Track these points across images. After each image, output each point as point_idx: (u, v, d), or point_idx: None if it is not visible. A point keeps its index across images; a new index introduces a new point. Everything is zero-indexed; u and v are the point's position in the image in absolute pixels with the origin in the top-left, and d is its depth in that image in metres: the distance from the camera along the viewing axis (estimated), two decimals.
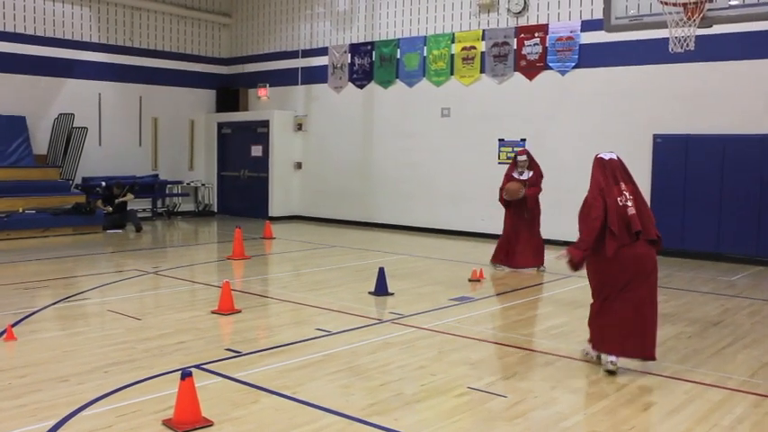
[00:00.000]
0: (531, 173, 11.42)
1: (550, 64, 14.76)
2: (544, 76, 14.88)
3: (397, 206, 17.17)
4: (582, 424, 4.97)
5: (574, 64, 14.41)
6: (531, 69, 15.07)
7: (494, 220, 15.29)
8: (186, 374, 4.78)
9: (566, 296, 9.62)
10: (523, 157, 11.50)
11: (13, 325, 7.16)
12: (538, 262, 11.46)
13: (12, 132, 16.45)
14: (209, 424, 4.78)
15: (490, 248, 13.74)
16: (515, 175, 11.32)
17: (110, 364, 6.14)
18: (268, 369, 6.10)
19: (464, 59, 16.05)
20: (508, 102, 15.36)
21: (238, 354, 6.54)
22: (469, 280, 10.43)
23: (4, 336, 6.86)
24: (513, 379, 5.97)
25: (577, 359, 6.58)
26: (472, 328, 7.69)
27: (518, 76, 15.27)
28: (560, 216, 14.50)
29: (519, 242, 11.40)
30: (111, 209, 16.35)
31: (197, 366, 6.00)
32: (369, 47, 17.75)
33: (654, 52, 13.21)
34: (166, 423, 4.77)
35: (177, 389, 4.82)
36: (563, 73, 14.57)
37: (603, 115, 14.04)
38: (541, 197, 14.75)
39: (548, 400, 5.48)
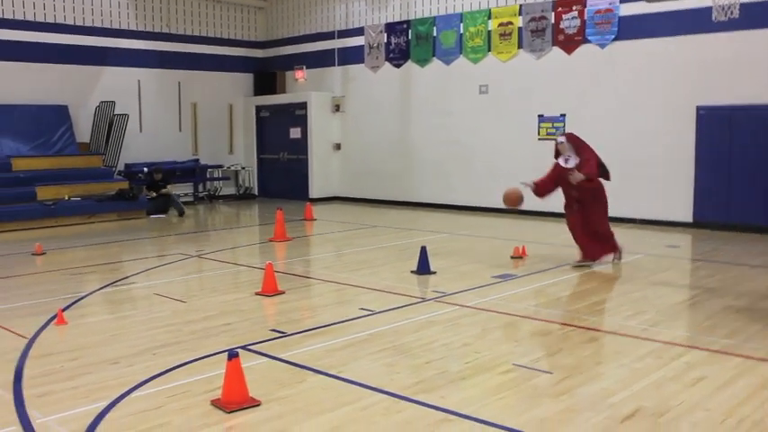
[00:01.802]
0: (578, 159, 9.90)
1: (589, 37, 14.54)
2: (583, 49, 14.68)
3: (437, 185, 17.12)
4: (629, 399, 4.93)
5: (613, 36, 14.18)
6: (569, 43, 14.86)
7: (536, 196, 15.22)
8: (233, 355, 4.83)
9: (609, 272, 9.54)
10: (562, 140, 10.12)
11: (64, 309, 7.30)
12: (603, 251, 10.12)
13: (55, 121, 16.73)
14: (256, 404, 4.84)
15: (530, 225, 13.73)
16: (561, 161, 10.04)
17: (157, 347, 6.24)
18: (313, 349, 6.14)
19: (501, 35, 15.89)
20: (547, 77, 15.19)
21: (283, 334, 6.60)
22: (512, 257, 10.38)
23: (55, 320, 7.01)
24: (558, 355, 5.94)
25: (624, 334, 6.52)
26: (516, 305, 7.66)
27: (556, 50, 15.08)
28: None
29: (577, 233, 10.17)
30: (154, 194, 16.54)
31: (243, 347, 6.07)
32: (405, 25, 17.66)
33: (695, 22, 12.97)
34: (215, 403, 4.84)
35: (224, 369, 4.88)
36: (602, 46, 14.35)
37: (645, 88, 13.81)
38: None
39: (593, 375, 5.44)
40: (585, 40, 14.60)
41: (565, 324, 6.91)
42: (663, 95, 13.56)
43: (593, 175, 9.66)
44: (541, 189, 10.13)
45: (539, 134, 15.34)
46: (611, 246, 10.02)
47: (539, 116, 15.37)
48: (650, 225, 13.76)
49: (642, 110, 13.83)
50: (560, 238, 11.19)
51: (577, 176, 9.51)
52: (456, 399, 4.96)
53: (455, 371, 5.56)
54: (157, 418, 4.65)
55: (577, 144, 10.02)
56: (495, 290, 8.42)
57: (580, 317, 7.19)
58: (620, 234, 12.80)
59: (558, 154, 10.09)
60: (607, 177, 9.98)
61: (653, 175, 13.74)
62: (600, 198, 9.97)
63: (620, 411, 4.71)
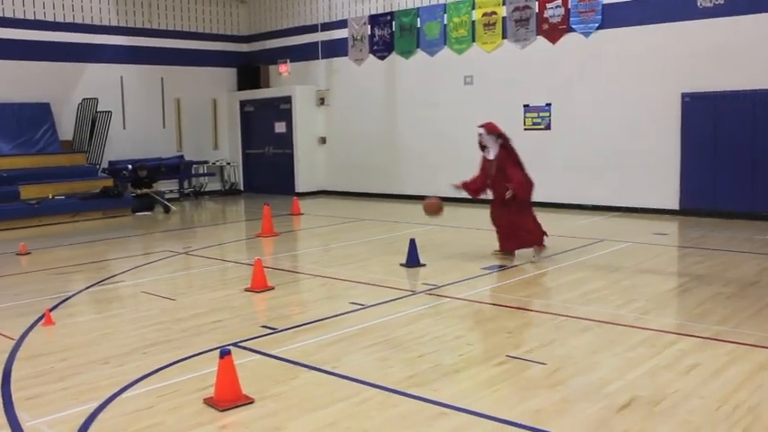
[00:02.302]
0: (497, 148, 9.65)
1: (573, 26, 14.52)
2: (568, 38, 14.66)
3: (423, 176, 17.07)
4: (625, 389, 4.92)
5: (597, 25, 14.17)
6: (553, 32, 14.84)
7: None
8: (225, 353, 4.78)
9: (599, 261, 9.53)
10: (481, 131, 9.79)
11: (51, 309, 7.22)
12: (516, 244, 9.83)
13: (37, 119, 16.55)
14: (250, 401, 4.79)
15: None
16: (485, 154, 9.82)
17: (147, 345, 6.17)
18: (305, 344, 6.10)
19: (485, 25, 15.85)
20: (532, 67, 15.17)
21: (274, 330, 6.55)
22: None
23: (43, 321, 6.92)
24: (552, 346, 5.92)
25: (617, 323, 6.51)
26: (506, 297, 7.65)
27: (541, 40, 15.06)
28: (587, 178, 14.42)
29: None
30: (139, 192, 16.42)
31: (234, 344, 6.01)
32: (388, 17, 17.58)
33: (679, 8, 13.00)
34: (208, 401, 4.79)
35: (216, 367, 4.82)
36: (587, 35, 14.34)
37: (630, 76, 13.81)
38: (567, 162, 14.68)
39: (588, 365, 5.43)
40: (570, 29, 14.58)
41: (557, 314, 6.90)
42: (648, 83, 13.57)
43: (522, 193, 9.55)
44: (472, 188, 9.95)
45: (524, 124, 15.32)
46: (530, 239, 9.65)
47: (524, 106, 15.35)
48: (637, 213, 13.79)
49: (628, 98, 13.84)
50: (547, 228, 11.15)
51: (508, 194, 9.46)
52: (450, 392, 4.93)
53: (448, 364, 5.53)
54: (150, 418, 4.59)
55: (493, 131, 9.70)
56: (485, 281, 8.41)
57: (572, 306, 7.18)
58: (606, 223, 12.90)
59: (483, 147, 9.89)
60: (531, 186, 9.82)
61: (639, 164, 13.76)
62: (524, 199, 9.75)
63: (615, 401, 4.70)
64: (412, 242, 9.41)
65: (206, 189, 20.07)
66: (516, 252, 9.79)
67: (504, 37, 15.58)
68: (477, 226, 12.85)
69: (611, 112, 14.06)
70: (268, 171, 19.93)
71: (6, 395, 5.05)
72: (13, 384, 5.26)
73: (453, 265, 9.32)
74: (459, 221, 13.27)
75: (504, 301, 7.46)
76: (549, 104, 14.97)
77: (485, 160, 9.82)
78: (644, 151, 13.68)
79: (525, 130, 15.24)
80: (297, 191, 18.83)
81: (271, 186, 19.68)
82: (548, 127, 15.02)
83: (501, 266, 9.22)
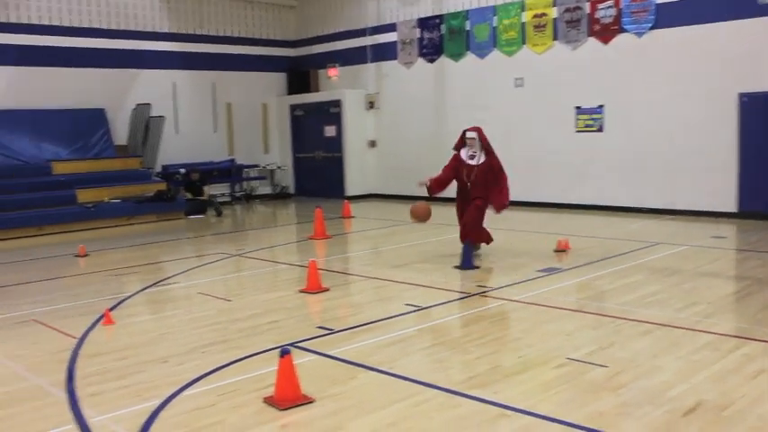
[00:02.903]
0: (483, 157, 9.74)
1: (625, 26, 14.32)
2: (619, 39, 14.46)
3: None
4: (689, 393, 4.80)
5: (650, 25, 13.95)
6: (605, 33, 14.66)
7: (573, 189, 15.07)
8: (285, 352, 4.78)
9: (656, 264, 9.35)
10: (473, 135, 9.75)
11: (110, 310, 7.32)
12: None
13: (93, 125, 16.89)
14: (309, 401, 4.79)
15: (572, 219, 13.56)
16: (463, 155, 9.74)
17: (206, 345, 6.22)
18: (362, 345, 6.09)
19: (535, 27, 15.73)
20: (583, 68, 14.99)
21: (331, 331, 6.55)
22: (555, 251, 10.23)
23: (103, 320, 7.02)
24: (612, 349, 5.82)
25: (677, 326, 6.38)
26: (564, 299, 7.55)
27: (592, 41, 14.88)
28: (642, 181, 14.19)
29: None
30: (194, 198, 16.62)
31: (291, 344, 6.02)
32: (437, 20, 17.54)
33: (737, 6, 12.73)
34: (268, 401, 4.80)
35: (276, 367, 4.83)
36: (639, 35, 14.13)
37: (684, 76, 13.56)
38: (620, 164, 14.47)
39: (650, 369, 5.32)
40: (622, 30, 14.37)
41: (615, 317, 6.78)
42: (703, 83, 13.30)
43: (504, 206, 9.89)
44: (436, 186, 10.00)
45: (576, 126, 15.15)
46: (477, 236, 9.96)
47: (576, 108, 15.18)
48: (693, 216, 13.52)
49: (682, 98, 13.59)
50: (602, 231, 11.05)
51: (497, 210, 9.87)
52: (511, 393, 4.88)
53: (508, 365, 5.47)
54: (211, 417, 4.62)
55: (487, 147, 9.79)
56: (541, 283, 8.30)
57: (630, 309, 7.05)
58: (662, 226, 12.67)
59: (461, 145, 9.88)
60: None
61: (695, 166, 13.50)
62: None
63: (680, 405, 4.60)
64: (466, 245, 9.35)
65: (257, 193, 20.23)
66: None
67: (554, 38, 15.44)
68: (530, 229, 12.74)
69: (666, 114, 13.83)
70: (318, 174, 20.01)
71: (71, 392, 5.13)
72: (77, 381, 5.35)
73: (508, 268, 9.23)
74: (510, 224, 13.16)
75: (561, 303, 7.36)
76: (601, 106, 14.78)
77: (460, 163, 9.81)
78: (700, 153, 13.42)
79: (577, 132, 15.08)
80: (347, 194, 18.87)
81: (321, 190, 19.76)
82: (600, 129, 14.82)
83: (556, 269, 9.09)
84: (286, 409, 4.67)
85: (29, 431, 4.50)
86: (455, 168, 9.87)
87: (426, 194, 10.32)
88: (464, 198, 9.99)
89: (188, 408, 4.79)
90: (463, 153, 9.79)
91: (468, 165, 9.70)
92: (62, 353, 6.08)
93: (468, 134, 9.76)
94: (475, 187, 9.75)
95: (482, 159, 9.67)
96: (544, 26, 15.57)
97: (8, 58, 15.91)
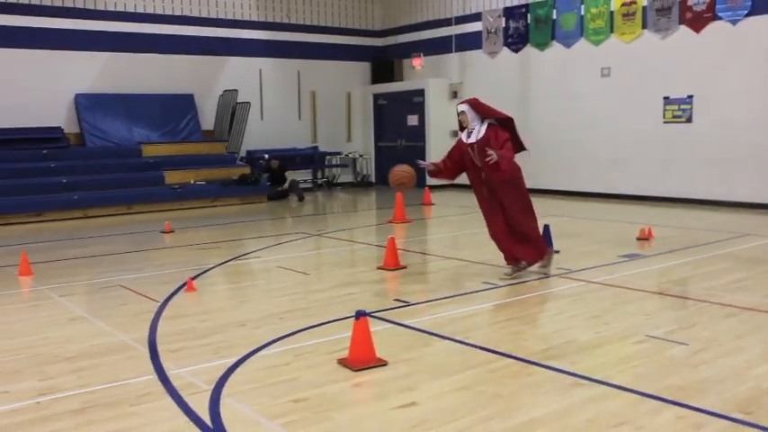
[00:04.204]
0: (484, 128, 7.53)
1: (719, 14, 13.86)
2: (713, 27, 14.00)
3: (557, 171, 16.73)
4: None
5: (746, 12, 13.46)
6: (697, 21, 14.22)
7: (660, 181, 14.69)
8: (361, 314, 4.82)
9: (744, 253, 9.05)
10: (463, 108, 7.65)
11: (193, 278, 7.50)
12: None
13: (182, 110, 17.33)
14: (383, 363, 4.81)
15: (658, 212, 13.23)
16: (463, 136, 7.75)
17: (283, 312, 6.32)
18: (437, 317, 6.08)
19: (624, 15, 15.38)
20: (673, 57, 14.57)
21: (407, 303, 6.56)
22: (638, 238, 10.00)
23: (186, 287, 7.21)
24: (694, 329, 5.65)
25: (763, 310, 6.16)
26: (645, 282, 7.37)
27: (683, 29, 14.45)
28: (731, 173, 13.73)
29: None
30: (271, 182, 16.90)
31: (367, 314, 6.05)
32: (523, 9, 17.35)
33: None
34: (342, 362, 4.84)
35: (350, 332, 4.88)
36: (734, 22, 13.66)
37: None
38: (709, 156, 14.02)
39: (733, 348, 5.15)
40: (716, 17, 13.91)
41: (699, 300, 6.59)
42: None
43: (508, 164, 7.39)
44: (445, 172, 8.05)
45: (664, 117, 14.75)
46: (539, 248, 7.76)
47: (664, 98, 14.78)
48: None
49: None
50: (687, 222, 10.75)
51: (493, 157, 7.17)
52: (587, 365, 4.79)
53: (585, 340, 5.38)
54: (286, 374, 4.69)
55: (484, 111, 7.67)
56: (622, 268, 8.13)
57: (715, 294, 6.83)
58: (752, 218, 12.25)
59: (461, 127, 7.79)
60: (522, 148, 7.82)
61: None
62: (517, 184, 7.67)
63: (765, 383, 4.43)
64: (546, 228, 9.21)
65: (338, 180, 20.41)
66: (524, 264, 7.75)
67: (643, 27, 15.06)
68: (612, 219, 12.51)
69: (759, 104, 13.33)
70: (400, 163, 19.96)
71: (153, 347, 5.28)
72: (159, 339, 5.50)
73: (589, 252, 9.08)
74: (592, 214, 12.94)
75: (642, 286, 7.19)
76: (690, 96, 14.35)
77: (459, 145, 7.83)
78: None
79: (665, 123, 14.68)
80: (428, 184, 18.82)
81: None
82: (689, 120, 14.40)
83: (639, 255, 8.89)
84: (359, 370, 4.71)
85: (114, 378, 4.66)
86: (455, 155, 7.90)
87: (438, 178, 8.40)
88: (482, 190, 7.81)
89: (263, 365, 4.88)
90: (464, 134, 7.79)
91: (468, 144, 7.64)
92: (145, 314, 6.28)
93: (459, 107, 7.70)
94: (479, 172, 7.67)
95: (481, 134, 7.54)
96: (633, 14, 15.22)
97: (103, 45, 16.46)
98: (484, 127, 7.54)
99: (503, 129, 7.55)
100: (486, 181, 7.62)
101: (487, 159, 7.20)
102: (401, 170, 8.08)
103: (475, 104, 7.65)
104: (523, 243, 7.63)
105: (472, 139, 7.57)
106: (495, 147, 7.29)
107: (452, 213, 13.83)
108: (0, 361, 5.11)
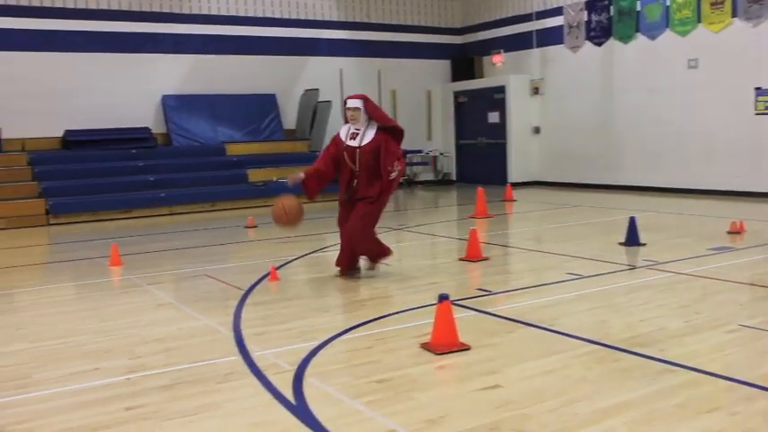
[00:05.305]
0: (372, 132, 7.02)
1: None
2: None
3: (643, 166, 16.34)
4: None
5: None
6: None
7: (751, 175, 14.18)
8: (444, 297, 4.79)
9: None
10: (355, 104, 7.03)
11: (277, 268, 7.60)
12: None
13: (264, 109, 17.62)
14: (466, 347, 4.77)
15: (749, 207, 12.78)
16: (343, 134, 7.16)
17: (365, 299, 6.36)
18: (521, 305, 6.00)
19: (712, 4, 14.91)
20: (765, 46, 14.07)
21: (489, 292, 6.50)
22: (728, 232, 9.66)
23: (269, 276, 7.30)
24: None
25: None
26: (737, 273, 7.11)
27: None
28: None
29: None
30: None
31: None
32: (606, 2, 16.99)
33: None
34: (424, 346, 4.82)
35: (433, 318, 4.86)
36: None
37: None
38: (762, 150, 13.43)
39: None
40: None
41: None
42: None
43: (396, 184, 7.22)
44: (313, 182, 7.52)
45: (756, 109, 14.24)
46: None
47: (756, 89, 14.27)
48: None
49: None
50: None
51: (393, 175, 6.99)
52: (677, 352, 4.65)
53: (674, 328, 5.22)
54: (368, 357, 4.70)
55: (373, 113, 7.08)
56: (712, 260, 7.86)
57: None
58: None
59: (346, 121, 7.20)
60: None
61: None
62: (382, 202, 7.41)
63: None
64: (632, 220, 9.01)
65: (419, 179, 20.40)
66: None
67: (733, 15, 14.57)
68: (701, 213, 12.14)
69: None
70: (481, 161, 19.89)
71: (237, 331, 5.37)
72: (243, 323, 5.59)
73: (676, 245, 8.82)
74: (680, 209, 12.58)
75: (734, 277, 6.94)
76: None
77: (340, 147, 7.16)
78: None
79: (756, 114, 14.16)
80: (509, 181, 18.64)
81: (483, 176, 19.60)
82: None
83: (729, 248, 8.58)
84: (442, 354, 4.68)
85: (200, 358, 4.76)
86: (334, 155, 7.26)
87: (303, 195, 7.80)
88: (350, 197, 7.45)
89: (346, 348, 4.91)
90: (343, 131, 7.17)
91: (349, 147, 7.05)
92: (230, 300, 6.41)
93: (350, 102, 7.06)
94: (361, 178, 7.16)
95: (369, 138, 6.99)
96: (722, 3, 14.74)
97: (190, 47, 16.87)
98: (372, 131, 7.01)
99: (393, 139, 7.07)
100: (356, 189, 7.25)
101: (390, 177, 6.95)
102: (277, 207, 7.35)
103: (366, 103, 7.08)
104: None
105: (356, 143, 7.01)
106: (386, 160, 6.89)
107: (534, 209, 13.63)
108: (92, 342, 5.28)
